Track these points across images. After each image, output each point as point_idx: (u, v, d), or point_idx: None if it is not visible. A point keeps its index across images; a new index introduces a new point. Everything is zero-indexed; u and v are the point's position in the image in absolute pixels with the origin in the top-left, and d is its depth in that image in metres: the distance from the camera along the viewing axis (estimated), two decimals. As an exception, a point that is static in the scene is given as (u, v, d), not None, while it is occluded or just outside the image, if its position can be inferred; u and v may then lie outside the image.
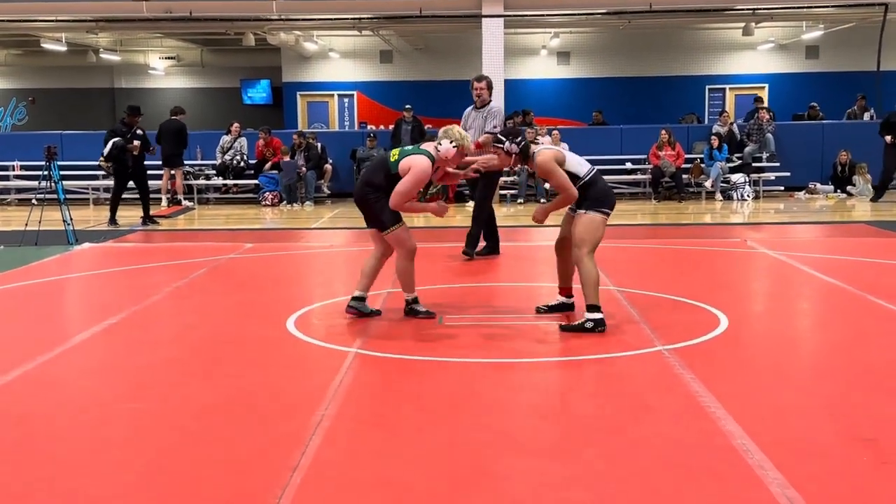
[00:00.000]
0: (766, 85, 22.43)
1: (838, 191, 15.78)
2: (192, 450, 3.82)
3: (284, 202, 15.45)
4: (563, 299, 6.28)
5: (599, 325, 5.65)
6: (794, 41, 21.83)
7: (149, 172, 15.60)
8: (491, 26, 16.41)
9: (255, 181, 16.17)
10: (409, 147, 6.17)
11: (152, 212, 14.28)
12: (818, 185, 15.96)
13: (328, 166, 16.27)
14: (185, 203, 15.60)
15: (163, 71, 25.41)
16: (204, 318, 6.50)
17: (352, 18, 18.59)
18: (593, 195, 5.77)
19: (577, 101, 21.99)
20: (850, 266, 8.32)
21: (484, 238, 9.04)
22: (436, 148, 5.97)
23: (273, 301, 7.05)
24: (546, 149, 5.95)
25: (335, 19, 18.90)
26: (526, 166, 6.25)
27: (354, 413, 4.25)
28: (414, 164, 5.87)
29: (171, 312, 6.89)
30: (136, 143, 12.40)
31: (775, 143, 16.35)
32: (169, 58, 25.19)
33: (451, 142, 5.94)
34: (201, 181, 16.53)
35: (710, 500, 3.24)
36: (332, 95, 23.44)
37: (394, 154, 6.05)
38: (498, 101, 16.24)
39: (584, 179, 5.76)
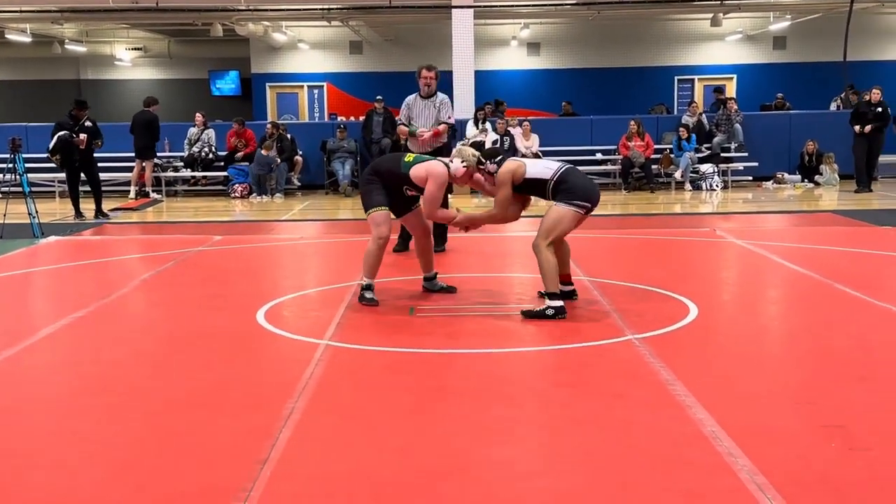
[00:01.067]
0: (735, 75, 22.59)
1: (805, 180, 15.93)
2: (162, 443, 3.78)
3: (254, 194, 15.34)
4: (561, 287, 6.22)
5: (560, 313, 5.73)
6: (761, 32, 22.00)
7: (118, 165, 15.57)
8: (461, 17, 16.38)
9: (225, 173, 16.05)
10: (419, 155, 6.50)
11: (120, 204, 14.16)
12: (786, 175, 16.10)
13: (298, 158, 16.18)
14: (154, 195, 15.46)
15: (129, 62, 25.14)
16: (173, 310, 6.45)
17: (321, 9, 18.51)
18: (565, 189, 5.84)
19: (547, 92, 22.02)
20: (818, 255, 8.40)
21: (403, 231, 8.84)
22: (447, 165, 6.21)
23: (243, 293, 7.00)
24: (513, 161, 6.11)
25: (304, 10, 18.81)
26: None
27: (325, 405, 4.23)
28: (432, 172, 6.13)
29: (139, 305, 6.82)
30: (83, 136, 12.21)
31: (743, 133, 16.46)
32: (135, 49, 24.92)
33: (462, 161, 6.11)
34: (170, 173, 16.38)
35: (681, 487, 3.25)
36: (302, 87, 23.32)
37: (409, 156, 6.35)
38: (468, 92, 16.27)
39: (554, 178, 5.86)
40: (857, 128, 14.67)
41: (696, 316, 5.87)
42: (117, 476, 3.45)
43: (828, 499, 3.14)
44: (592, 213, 6.01)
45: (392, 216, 6.38)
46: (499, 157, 6.05)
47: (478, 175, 6.19)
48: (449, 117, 8.54)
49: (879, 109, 14.59)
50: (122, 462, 3.59)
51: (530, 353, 5.19)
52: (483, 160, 6.04)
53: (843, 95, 18.34)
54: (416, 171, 6.15)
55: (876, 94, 14.69)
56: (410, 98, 8.59)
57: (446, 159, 6.33)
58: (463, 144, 6.82)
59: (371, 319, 5.97)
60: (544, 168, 5.96)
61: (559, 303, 5.76)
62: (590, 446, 3.68)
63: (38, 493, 3.32)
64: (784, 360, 5.01)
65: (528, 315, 5.82)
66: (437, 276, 6.74)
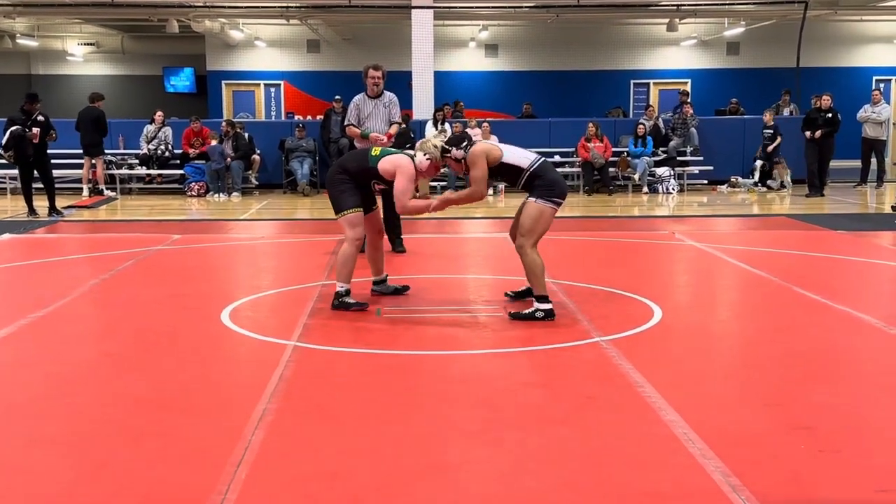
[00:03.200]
0: (689, 80, 22.86)
1: (759, 185, 16.17)
2: (132, 446, 3.72)
3: (211, 192, 15.18)
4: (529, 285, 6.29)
5: (549, 315, 5.75)
6: (716, 37, 22.30)
7: (69, 162, 15.30)
8: (421, 18, 16.39)
9: (181, 171, 15.86)
10: (385, 149, 6.36)
11: (74, 202, 13.92)
12: (740, 179, 16.34)
13: (256, 157, 16.04)
14: (108, 193, 15.22)
15: (82, 57, 24.71)
16: (134, 311, 6.35)
17: (279, 7, 18.37)
18: (541, 184, 5.80)
19: (505, 94, 22.09)
20: (774, 257, 8.54)
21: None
22: (412, 158, 6.14)
23: (205, 293, 6.93)
24: (486, 143, 6.05)
25: (262, 7, 18.66)
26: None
27: (297, 406, 4.20)
28: (399, 165, 6.05)
29: (99, 305, 6.71)
30: (36, 130, 11.99)
31: (698, 137, 16.68)
32: (88, 44, 24.50)
33: (424, 155, 6.05)
34: (124, 171, 16.15)
35: (656, 488, 3.29)
36: (259, 85, 23.11)
37: (375, 150, 6.25)
38: (428, 92, 16.28)
39: (530, 170, 5.80)
40: (807, 133, 14.95)
41: (660, 318, 5.93)
42: (89, 479, 3.40)
43: (800, 499, 3.19)
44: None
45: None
46: (464, 143, 5.96)
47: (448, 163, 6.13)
48: (398, 116, 8.58)
49: (829, 115, 14.88)
50: (93, 465, 3.53)
51: (499, 355, 5.20)
52: (448, 147, 5.96)
53: (778, 102, 18.72)
54: (384, 165, 6.09)
55: (826, 101, 14.98)
56: (359, 98, 8.54)
57: (411, 152, 6.28)
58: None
59: (338, 321, 5.94)
60: (521, 156, 5.89)
61: (548, 305, 5.78)
62: (563, 447, 3.70)
63: (6, 498, 3.25)
64: (750, 362, 5.08)
65: (516, 317, 5.81)
66: (388, 278, 6.75)
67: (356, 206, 6.12)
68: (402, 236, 8.71)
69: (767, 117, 16.08)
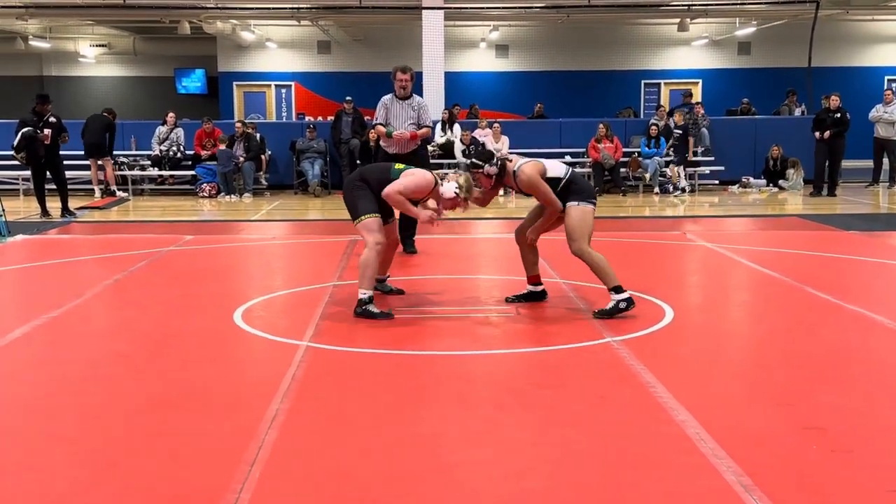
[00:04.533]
0: (700, 80, 22.83)
1: (770, 185, 16.13)
2: (145, 445, 3.75)
3: (222, 193, 15.23)
4: (531, 288, 6.32)
5: (630, 304, 5.83)
6: (727, 37, 22.26)
7: (81, 163, 15.37)
8: (431, 18, 16.40)
9: (192, 172, 15.91)
10: (406, 166, 6.25)
11: (86, 203, 13.99)
12: (751, 179, 16.29)
13: (264, 157, 16.09)
14: (120, 194, 15.29)
15: (93, 59, 24.84)
16: (148, 311, 6.39)
17: (290, 8, 18.42)
18: (577, 189, 5.92)
19: (515, 95, 22.10)
20: (786, 258, 8.52)
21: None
22: (438, 180, 6.02)
23: (217, 294, 6.96)
24: (525, 163, 5.97)
25: (274, 9, 18.71)
26: (509, 186, 6.21)
27: (309, 407, 4.22)
28: (418, 173, 6.02)
29: (113, 305, 6.75)
30: (47, 131, 12.05)
31: (710, 137, 16.65)
32: (100, 45, 24.62)
33: (456, 187, 5.93)
34: (136, 172, 16.21)
35: (668, 489, 3.29)
36: (270, 86, 23.18)
37: (399, 166, 6.20)
38: (439, 93, 16.29)
39: (564, 179, 5.91)
40: (816, 134, 14.91)
41: (672, 318, 5.93)
42: (102, 478, 3.42)
43: (812, 499, 3.19)
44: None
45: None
46: (494, 159, 5.97)
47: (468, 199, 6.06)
48: (429, 121, 8.62)
49: (838, 115, 14.83)
50: (106, 463, 3.55)
51: (510, 356, 5.20)
52: (479, 163, 5.93)
53: (786, 102, 18.70)
54: (406, 174, 6.05)
55: (834, 101, 14.92)
56: (387, 98, 8.54)
57: (436, 174, 6.18)
58: (455, 171, 6.55)
59: (350, 321, 5.95)
60: (557, 168, 5.98)
61: (626, 294, 5.84)
62: (573, 448, 3.70)
63: (19, 496, 3.28)
64: (761, 362, 5.07)
65: (602, 314, 5.83)
66: (389, 278, 6.77)
67: (374, 211, 6.00)
68: (414, 237, 8.73)
69: (678, 118, 15.88)
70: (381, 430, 3.90)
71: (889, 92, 16.25)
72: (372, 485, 3.34)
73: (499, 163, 5.96)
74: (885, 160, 16.04)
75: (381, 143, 8.57)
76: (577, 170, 16.07)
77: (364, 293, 5.92)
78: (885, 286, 7.51)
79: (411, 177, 5.99)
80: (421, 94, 16.14)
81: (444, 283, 7.59)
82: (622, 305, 5.81)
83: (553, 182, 5.90)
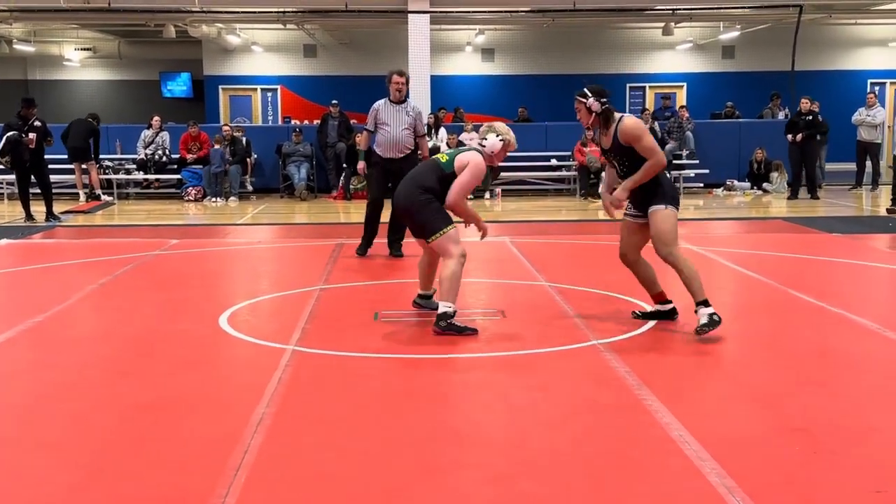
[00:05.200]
0: (685, 84, 22.92)
1: (754, 188, 16.22)
2: (131, 450, 3.74)
3: (208, 197, 15.20)
4: (658, 307, 5.90)
5: (717, 318, 5.41)
6: (711, 41, 22.36)
7: (66, 167, 15.31)
8: (417, 22, 16.43)
9: (178, 176, 15.88)
10: (453, 150, 5.92)
11: (71, 207, 13.94)
12: (735, 182, 16.38)
13: (251, 161, 16.07)
14: (105, 198, 15.24)
15: (78, 63, 24.73)
16: (134, 315, 6.37)
17: (276, 12, 18.39)
18: (663, 192, 5.54)
19: (502, 98, 22.14)
20: (770, 261, 8.58)
21: (367, 234, 8.79)
22: (480, 144, 5.76)
23: (203, 298, 6.95)
24: (632, 116, 5.66)
25: (259, 12, 18.68)
26: (600, 131, 5.71)
27: (295, 411, 4.22)
28: (471, 160, 5.64)
29: (98, 310, 6.73)
30: (32, 136, 12.00)
31: (694, 140, 16.73)
32: (85, 49, 24.52)
33: (497, 136, 5.71)
34: (121, 176, 16.17)
35: (653, 491, 3.31)
36: (255, 89, 23.14)
37: (443, 156, 5.78)
38: (425, 97, 16.31)
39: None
40: (789, 137, 15.01)
41: (656, 321, 5.95)
42: (87, 484, 3.41)
43: (795, 501, 3.22)
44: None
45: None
46: (604, 98, 5.56)
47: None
48: (423, 130, 8.69)
49: (810, 118, 14.93)
50: (91, 469, 3.54)
51: (497, 358, 5.21)
52: (587, 93, 5.57)
53: (769, 106, 18.83)
54: (458, 164, 5.65)
55: (805, 104, 15.02)
56: (380, 103, 8.56)
57: (476, 146, 5.83)
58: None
59: (336, 325, 5.96)
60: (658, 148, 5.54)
61: (711, 309, 5.42)
62: (559, 450, 3.72)
63: (3, 502, 3.27)
64: (745, 364, 5.10)
65: (703, 330, 5.40)
66: (433, 296, 6.12)
67: (451, 223, 5.65)
68: (402, 241, 8.72)
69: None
70: (367, 434, 3.91)
71: (872, 95, 16.38)
72: (358, 488, 3.35)
73: (605, 104, 5.54)
74: (868, 163, 16.16)
75: (374, 146, 8.57)
76: (563, 173, 16.28)
77: (448, 306, 5.54)
78: (867, 288, 7.57)
79: (467, 173, 5.62)
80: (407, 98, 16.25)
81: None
82: (716, 318, 5.39)
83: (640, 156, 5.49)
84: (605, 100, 5.52)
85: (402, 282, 7.64)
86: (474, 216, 5.87)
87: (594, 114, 5.55)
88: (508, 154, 6.06)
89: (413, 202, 5.64)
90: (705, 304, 5.41)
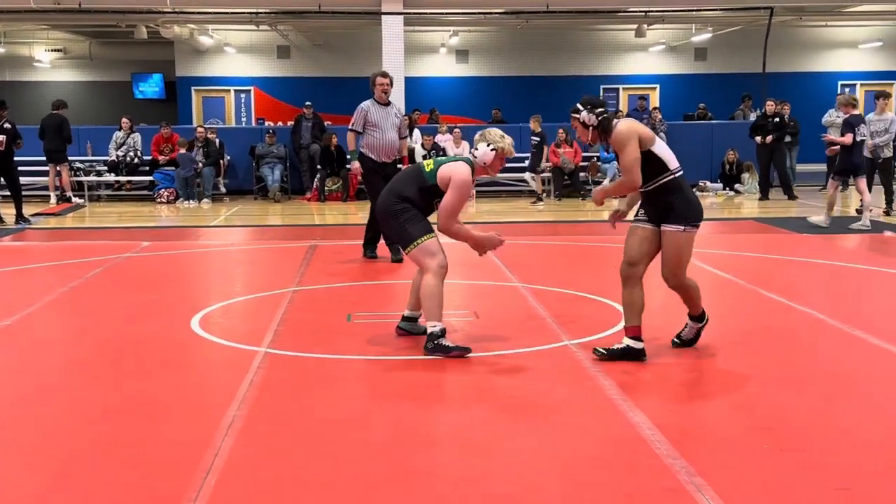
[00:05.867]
0: (658, 85, 23.07)
1: (727, 188, 16.34)
2: (101, 454, 3.72)
3: (181, 199, 15.12)
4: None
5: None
6: (683, 43, 22.51)
7: (36, 169, 15.16)
8: (391, 23, 16.42)
9: (150, 178, 15.78)
10: (442, 158, 5.47)
11: (41, 209, 13.81)
12: (708, 184, 16.50)
13: (224, 162, 15.99)
14: (75, 200, 15.11)
15: (49, 64, 24.52)
16: (103, 318, 6.33)
17: (249, 13, 18.32)
18: (681, 204, 4.86)
19: (476, 99, 22.18)
20: (741, 261, 8.65)
21: (369, 240, 8.66)
22: (472, 154, 5.35)
23: (175, 301, 6.91)
24: (632, 120, 5.03)
25: (231, 13, 18.60)
26: (603, 143, 5.10)
27: (266, 413, 4.21)
28: (454, 175, 5.20)
29: (68, 313, 6.68)
30: (2, 138, 11.88)
31: (667, 142, 16.82)
32: (55, 50, 24.31)
33: (488, 145, 5.25)
34: (92, 177, 16.04)
35: (622, 490, 3.34)
36: (229, 91, 23.05)
37: (428, 164, 5.34)
38: (399, 98, 16.30)
39: (675, 175, 4.87)
40: (757, 139, 15.15)
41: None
42: (57, 488, 3.39)
43: (762, 498, 3.25)
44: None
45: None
46: (599, 109, 4.94)
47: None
48: (405, 134, 8.65)
49: (777, 120, 15.07)
50: (61, 474, 3.52)
51: (469, 359, 5.21)
52: (579, 108, 4.97)
53: (741, 108, 18.99)
54: (441, 177, 5.24)
55: (770, 106, 15.16)
56: (366, 104, 8.43)
57: (468, 155, 5.40)
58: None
59: (309, 327, 5.95)
60: (670, 155, 4.89)
61: (640, 344, 4.99)
62: (531, 450, 3.73)
63: (-26, 506, 3.24)
64: (715, 363, 5.14)
65: (681, 342, 5.23)
66: (418, 320, 5.61)
67: (427, 232, 5.24)
68: (377, 243, 8.65)
69: (534, 124, 15.88)
70: (339, 436, 3.90)
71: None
72: (330, 491, 3.34)
73: (602, 115, 4.91)
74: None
75: (362, 149, 8.41)
76: (545, 175, 16.31)
77: (434, 326, 5.18)
78: (836, 288, 7.65)
79: (451, 193, 5.20)
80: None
81: (404, 287, 7.60)
82: (704, 324, 5.19)
83: (655, 166, 4.82)
84: (600, 110, 4.92)
85: (376, 283, 7.64)
86: (471, 237, 5.40)
87: (591, 128, 4.95)
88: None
89: (388, 211, 5.32)
90: (697, 317, 5.21)
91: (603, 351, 5.01)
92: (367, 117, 8.38)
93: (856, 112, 11.47)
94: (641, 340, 5.02)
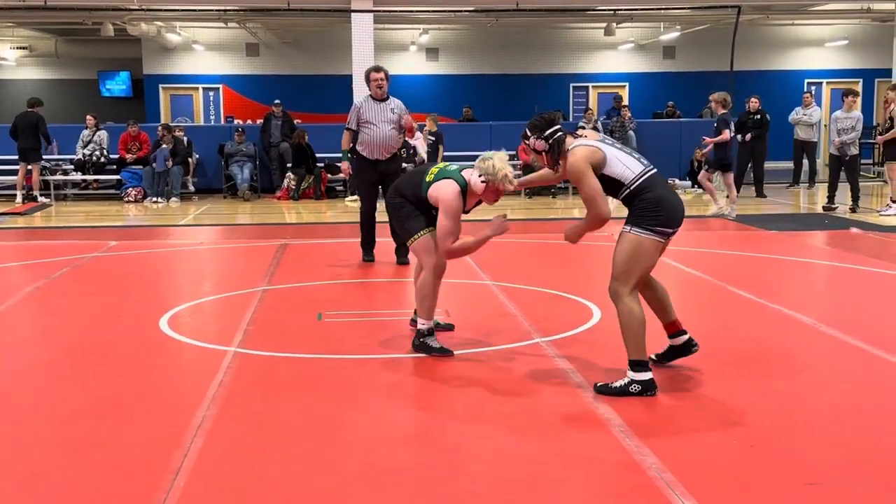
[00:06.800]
0: (627, 84, 23.18)
1: (695, 186, 16.45)
2: (67, 457, 3.67)
3: (149, 198, 14.98)
4: (670, 342, 4.88)
5: (648, 389, 4.31)
6: (652, 42, 22.65)
7: (5, 168, 14.97)
8: (360, 21, 16.37)
9: (117, 176, 15.62)
10: (451, 167, 5.21)
11: (6, 208, 13.64)
12: (677, 181, 16.60)
13: (192, 161, 15.86)
14: (42, 199, 14.92)
15: (14, 61, 24.22)
16: (70, 319, 6.25)
17: (217, 10, 18.20)
18: (640, 206, 4.40)
19: (447, 98, 22.17)
20: (710, 258, 8.71)
21: (367, 243, 8.41)
22: (466, 183, 5.07)
23: (143, 301, 6.84)
24: (583, 144, 4.47)
25: (200, 10, 18.47)
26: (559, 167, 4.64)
27: (236, 413, 4.18)
28: (440, 199, 5.01)
29: (33, 314, 6.59)
30: None
31: (636, 140, 16.92)
32: (21, 48, 24.01)
33: (479, 175, 4.95)
34: (58, 176, 15.85)
35: (594, 485, 3.34)
36: (197, 88, 22.87)
37: (431, 172, 5.17)
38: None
39: (631, 187, 4.42)
40: (739, 137, 15.24)
41: (599, 319, 6.01)
42: (25, 489, 3.34)
43: (733, 494, 3.27)
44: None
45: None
46: (551, 132, 4.54)
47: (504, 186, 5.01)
48: (407, 121, 8.19)
49: (758, 117, 15.20)
50: (29, 475, 3.47)
51: (441, 358, 5.20)
52: (528, 134, 4.60)
53: (708, 106, 19.12)
54: (430, 195, 5.09)
55: (754, 103, 15.28)
56: (361, 101, 8.21)
57: (468, 174, 5.11)
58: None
59: (279, 326, 5.91)
60: (624, 167, 4.42)
61: (647, 375, 4.33)
62: (501, 448, 3.73)
63: (-63, 511, 3.19)
64: (685, 360, 5.15)
65: (603, 391, 4.34)
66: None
67: (426, 226, 5.16)
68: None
69: (430, 124, 15.75)
70: (310, 436, 3.88)
71: (808, 95, 16.72)
72: (298, 491, 3.32)
73: (556, 136, 4.52)
74: (805, 161, 16.49)
75: (357, 147, 8.17)
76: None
77: (423, 324, 5.19)
78: (804, 285, 7.73)
79: (442, 217, 5.01)
80: (350, 98, 16.19)
81: (377, 285, 7.59)
82: (634, 389, 4.28)
83: (611, 183, 4.44)
84: (551, 131, 4.54)
85: (346, 282, 7.61)
86: (478, 244, 5.14)
87: (543, 153, 4.60)
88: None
89: (390, 204, 5.33)
90: (636, 367, 4.34)
91: (654, 357, 4.77)
92: (360, 114, 8.16)
93: (727, 110, 12.33)
94: (684, 332, 4.88)
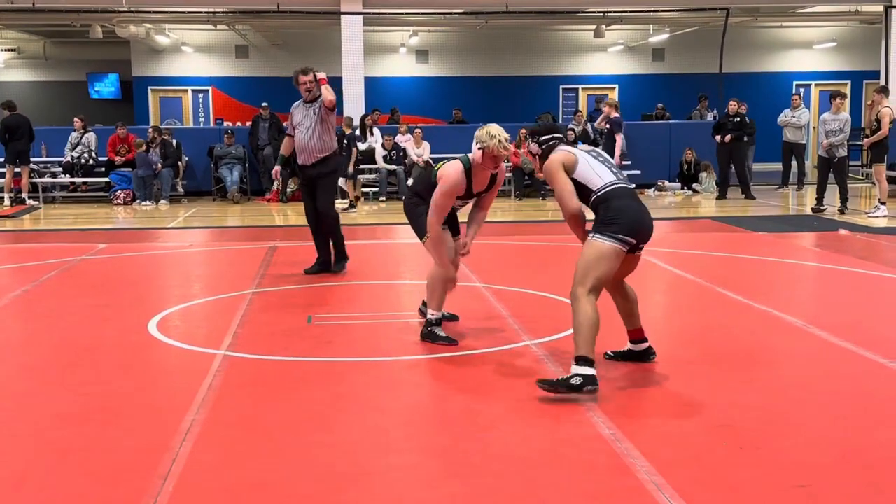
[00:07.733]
0: (616, 86, 23.21)
1: (685, 188, 16.50)
2: (56, 461, 3.65)
3: (138, 200, 14.93)
4: (630, 346, 5.03)
5: (589, 383, 4.31)
6: (641, 44, 22.70)
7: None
8: (350, 23, 16.36)
9: (106, 179, 15.57)
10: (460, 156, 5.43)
11: (-5, 211, 13.57)
12: (666, 183, 16.65)
13: (182, 163, 15.83)
14: (30, 202, 14.86)
15: (2, 63, 24.11)
16: (58, 322, 6.22)
17: (206, 12, 18.16)
18: (604, 213, 4.57)
19: (436, 100, 22.18)
20: (699, 259, 8.73)
21: (317, 250, 8.07)
22: (469, 160, 5.34)
23: (132, 304, 6.82)
24: (564, 150, 4.77)
25: (188, 13, 18.43)
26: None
27: (225, 417, 4.17)
28: (444, 173, 5.30)
29: (21, 317, 6.56)
30: None
31: (626, 142, 16.95)
32: (9, 50, 23.90)
33: (476, 143, 5.16)
34: (47, 179, 15.79)
35: (583, 489, 3.34)
36: (186, 91, 22.81)
37: (440, 164, 5.46)
38: (359, 98, 16.25)
39: (598, 194, 4.61)
40: (717, 138, 15.31)
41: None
42: (11, 494, 3.32)
43: (723, 496, 3.27)
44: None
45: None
46: (547, 138, 4.84)
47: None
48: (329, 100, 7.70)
49: (737, 119, 15.25)
50: (16, 479, 3.45)
51: (429, 361, 5.21)
52: (528, 137, 4.96)
53: (698, 108, 19.21)
54: (438, 175, 5.36)
55: (733, 106, 15.34)
56: (294, 105, 7.94)
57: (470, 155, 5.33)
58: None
59: (268, 329, 5.90)
60: (593, 174, 4.64)
61: (590, 371, 4.34)
62: (491, 450, 3.73)
63: (-76, 516, 3.17)
64: (673, 362, 5.16)
65: (546, 385, 4.39)
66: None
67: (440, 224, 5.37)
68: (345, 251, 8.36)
69: (343, 126, 15.77)
70: (299, 439, 3.87)
71: (797, 97, 16.78)
72: (288, 494, 3.31)
73: (550, 143, 4.82)
74: (794, 163, 16.55)
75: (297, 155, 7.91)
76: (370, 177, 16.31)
77: (432, 314, 5.45)
78: (792, 286, 7.75)
79: (437, 190, 5.30)
80: (341, 100, 16.17)
81: (365, 288, 7.57)
82: (575, 382, 4.29)
83: (581, 188, 4.67)
84: (546, 137, 4.83)
85: (335, 285, 7.60)
86: (432, 229, 5.36)
87: (536, 157, 4.89)
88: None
89: (406, 207, 5.71)
90: (581, 362, 4.35)
91: (611, 354, 5.07)
92: (292, 117, 7.88)
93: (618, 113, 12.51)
94: (644, 340, 5.03)
